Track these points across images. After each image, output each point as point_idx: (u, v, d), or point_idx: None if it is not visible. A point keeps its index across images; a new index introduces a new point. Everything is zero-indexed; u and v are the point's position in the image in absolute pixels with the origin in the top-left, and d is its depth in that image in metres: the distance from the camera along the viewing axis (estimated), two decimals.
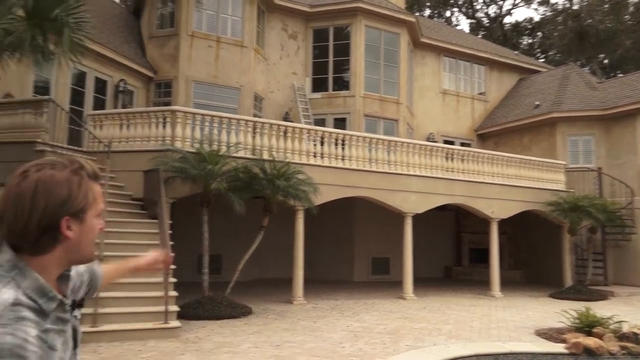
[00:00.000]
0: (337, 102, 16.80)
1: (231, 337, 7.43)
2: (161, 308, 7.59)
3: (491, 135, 19.75)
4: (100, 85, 13.64)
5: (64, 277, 1.28)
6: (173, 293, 7.87)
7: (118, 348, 6.61)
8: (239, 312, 9.19)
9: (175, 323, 7.53)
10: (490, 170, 13.97)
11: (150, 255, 1.89)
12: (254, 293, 11.95)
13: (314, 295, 11.93)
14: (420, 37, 18.64)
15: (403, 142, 12.97)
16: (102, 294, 7.36)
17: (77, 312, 1.33)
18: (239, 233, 13.47)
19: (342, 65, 17.08)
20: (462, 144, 18.69)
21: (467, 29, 41.46)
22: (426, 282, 15.16)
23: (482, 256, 16.35)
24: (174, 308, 7.75)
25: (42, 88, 11.99)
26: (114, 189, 9.66)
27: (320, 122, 16.11)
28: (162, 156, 9.73)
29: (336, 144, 11.97)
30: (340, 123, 16.39)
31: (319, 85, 17.12)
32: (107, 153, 9.67)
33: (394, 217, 13.31)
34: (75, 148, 10.88)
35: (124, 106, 13.69)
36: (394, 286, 13.92)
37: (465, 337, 7.89)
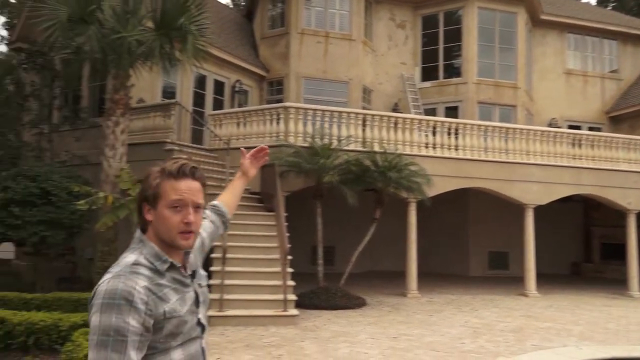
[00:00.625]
0: (449, 90, 16.20)
1: (347, 327, 7.53)
2: (280, 296, 7.90)
3: (626, 117, 17.73)
4: (219, 87, 14.53)
5: (186, 254, 1.60)
6: (291, 282, 8.15)
7: (242, 332, 7.01)
8: (354, 303, 9.28)
9: (293, 311, 7.81)
10: (626, 157, 12.58)
11: (244, 159, 2.19)
12: (367, 285, 12.00)
13: (428, 288, 11.68)
14: (540, 14, 17.27)
15: (522, 129, 12.16)
16: (227, 282, 7.86)
17: (202, 281, 1.66)
18: (351, 225, 13.60)
19: (453, 52, 16.41)
20: (590, 129, 17.01)
21: (593, 1, 37.69)
22: (550, 278, 14.08)
23: (616, 252, 14.80)
24: (292, 297, 8.03)
25: (169, 93, 13.09)
26: None
27: (431, 112, 15.67)
28: (276, 151, 10.11)
29: (449, 134, 11.56)
30: (451, 112, 15.80)
31: (428, 73, 16.64)
32: (226, 150, 10.27)
33: (513, 209, 12.55)
34: (198, 146, 11.72)
35: (239, 105, 14.46)
36: (513, 282, 13.13)
37: (600, 340, 7.21)
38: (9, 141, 11.31)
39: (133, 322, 1.35)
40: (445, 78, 16.38)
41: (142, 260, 1.47)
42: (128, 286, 1.37)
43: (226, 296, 7.76)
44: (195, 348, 1.55)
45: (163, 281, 1.46)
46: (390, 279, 13.24)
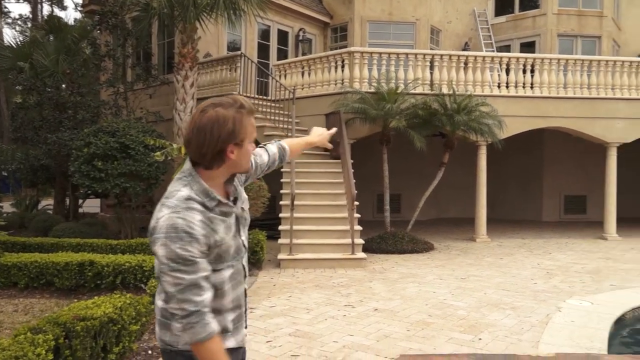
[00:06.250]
0: (525, 24, 15.11)
1: (415, 269, 7.57)
2: (347, 241, 8.05)
3: None
4: (282, 37, 14.47)
5: (229, 180, 1.72)
6: (358, 227, 8.25)
7: (312, 274, 7.26)
8: (421, 247, 9.27)
9: (361, 254, 7.94)
10: None
11: (316, 132, 2.32)
12: (434, 231, 11.91)
13: (498, 233, 11.41)
14: None
15: (607, 61, 11.15)
16: (295, 227, 8.09)
17: (245, 204, 1.78)
18: (416, 173, 13.42)
19: None
20: None
21: None
22: (633, 222, 13.28)
23: None
24: (360, 241, 8.14)
25: (234, 47, 13.23)
26: (299, 133, 10.34)
27: (504, 50, 14.81)
28: (341, 99, 10.03)
29: (524, 71, 10.87)
30: (527, 49, 14.80)
31: (502, 7, 15.57)
32: (291, 100, 10.31)
33: (593, 149, 11.80)
34: (264, 97, 11.85)
35: (303, 54, 14.35)
36: (591, 226, 12.56)
37: None
38: (90, 101, 11.98)
39: (195, 251, 1.51)
40: (521, 11, 15.28)
41: (194, 196, 1.57)
42: (187, 221, 1.51)
43: (295, 241, 8.02)
44: (239, 266, 1.74)
45: (212, 214, 1.59)
46: (458, 225, 13.05)
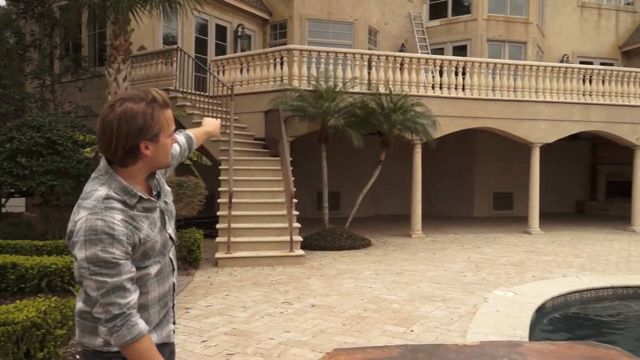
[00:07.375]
0: (457, 28, 15.73)
1: (352, 265, 7.72)
2: (286, 238, 8.07)
3: None
4: (221, 32, 14.25)
5: (151, 176, 1.67)
6: (297, 225, 8.29)
7: (250, 272, 7.23)
8: (359, 243, 9.46)
9: (299, 251, 8.00)
10: (638, 92, 12.29)
11: (210, 122, 2.32)
12: (372, 227, 12.18)
13: (433, 229, 11.84)
14: None
15: (531, 66, 11.84)
16: (234, 225, 8.01)
17: (168, 198, 1.75)
18: (355, 171, 13.65)
19: None
20: (603, 64, 16.50)
21: None
22: (554, 217, 14.26)
23: (621, 190, 14.82)
24: (298, 238, 8.19)
25: (171, 40, 12.87)
26: (237, 130, 10.23)
27: (438, 52, 15.32)
28: (280, 96, 10.03)
29: (456, 73, 11.33)
30: (459, 52, 15.42)
31: (436, 11, 16.12)
32: (230, 96, 10.17)
33: (519, 149, 12.49)
34: (201, 93, 11.61)
35: (242, 50, 14.19)
36: (517, 221, 13.32)
37: (600, 270, 7.35)
38: (13, 93, 11.27)
39: (118, 252, 1.46)
40: (454, 15, 15.89)
41: (113, 194, 1.51)
42: (107, 222, 1.45)
43: (233, 239, 7.94)
44: (166, 260, 1.69)
45: (134, 212, 1.54)
46: (395, 222, 13.41)
